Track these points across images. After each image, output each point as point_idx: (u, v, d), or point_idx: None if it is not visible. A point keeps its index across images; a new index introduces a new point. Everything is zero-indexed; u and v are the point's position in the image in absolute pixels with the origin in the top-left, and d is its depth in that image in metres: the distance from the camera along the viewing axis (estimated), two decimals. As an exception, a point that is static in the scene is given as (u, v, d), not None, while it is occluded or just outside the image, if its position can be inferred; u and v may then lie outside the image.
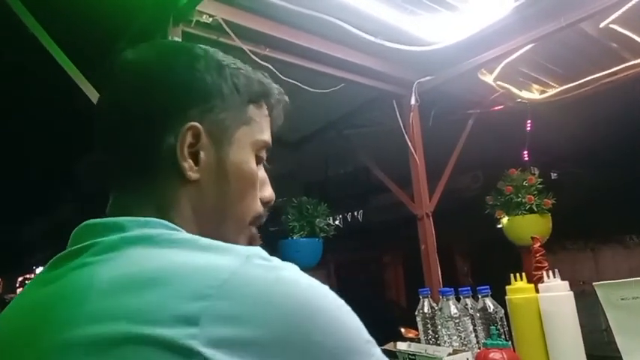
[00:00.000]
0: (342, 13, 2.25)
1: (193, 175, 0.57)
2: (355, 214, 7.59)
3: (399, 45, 2.46)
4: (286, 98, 0.69)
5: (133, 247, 0.48)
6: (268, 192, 0.66)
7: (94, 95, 1.70)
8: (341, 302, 0.48)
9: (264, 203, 0.66)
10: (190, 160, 0.57)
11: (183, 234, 0.52)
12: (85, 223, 0.55)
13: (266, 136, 0.65)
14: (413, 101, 2.91)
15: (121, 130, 0.58)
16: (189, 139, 0.56)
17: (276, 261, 0.48)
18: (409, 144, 2.95)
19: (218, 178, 0.59)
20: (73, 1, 1.77)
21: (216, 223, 0.59)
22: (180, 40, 1.86)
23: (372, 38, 2.40)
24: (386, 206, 6.06)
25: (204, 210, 0.58)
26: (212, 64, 0.60)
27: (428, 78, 2.89)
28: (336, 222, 7.41)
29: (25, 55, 1.96)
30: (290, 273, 0.47)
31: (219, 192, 0.59)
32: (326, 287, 0.48)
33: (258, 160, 0.64)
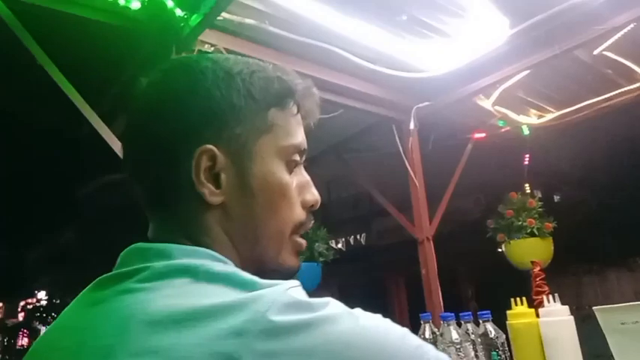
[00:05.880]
0: (341, 42, 2.31)
1: (215, 199, 0.54)
2: (358, 237, 7.57)
3: (397, 72, 2.51)
4: (314, 90, 0.63)
5: (176, 278, 0.47)
6: (310, 195, 0.61)
7: (97, 123, 1.74)
8: (389, 338, 0.46)
9: (308, 207, 0.61)
10: (210, 185, 0.54)
11: (226, 267, 0.51)
12: (134, 245, 0.54)
13: (295, 139, 0.59)
14: (412, 126, 2.95)
15: (138, 161, 0.57)
16: (205, 162, 0.54)
17: (313, 300, 0.46)
18: (409, 168, 2.97)
19: (244, 197, 0.56)
20: (79, 32, 1.82)
21: (252, 243, 0.57)
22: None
23: (371, 65, 2.45)
24: (388, 229, 6.06)
25: (236, 233, 0.56)
26: (220, 76, 0.56)
27: (426, 103, 2.93)
28: (339, 245, 7.38)
29: (31, 85, 2.01)
30: (329, 311, 0.45)
31: (248, 211, 0.56)
32: (374, 319, 0.47)
33: (292, 166, 0.59)
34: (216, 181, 0.54)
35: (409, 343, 0.47)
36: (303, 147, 0.60)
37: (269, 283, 0.46)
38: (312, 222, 0.62)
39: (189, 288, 0.46)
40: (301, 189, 0.61)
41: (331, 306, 0.45)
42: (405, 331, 0.48)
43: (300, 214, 0.60)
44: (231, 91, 0.55)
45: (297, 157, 0.60)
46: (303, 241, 0.61)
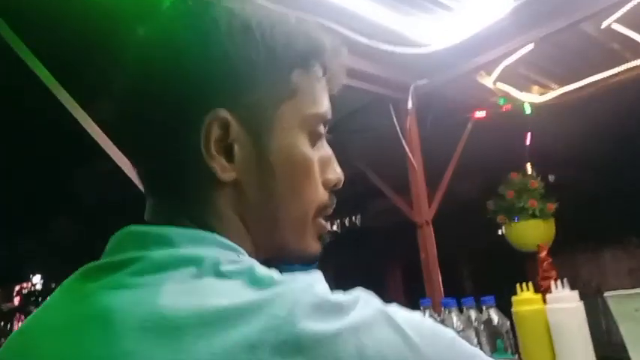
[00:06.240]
0: (335, 16, 2.19)
1: (227, 175, 0.46)
2: (353, 218, 7.53)
3: (394, 47, 2.40)
4: (343, 50, 0.54)
5: (178, 270, 0.40)
6: (333, 173, 0.54)
7: (73, 107, 1.62)
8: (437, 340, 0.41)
9: (331, 187, 0.54)
10: (222, 158, 0.46)
11: (240, 258, 0.43)
12: (127, 229, 0.46)
13: (321, 107, 0.52)
14: (410, 105, 2.85)
15: (134, 130, 0.48)
16: (216, 131, 0.45)
17: (342, 298, 0.39)
18: (406, 149, 2.88)
19: (261, 174, 0.47)
20: (51, 11, 1.70)
21: (269, 229, 0.49)
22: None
23: (366, 41, 2.34)
24: (384, 210, 6.01)
25: (251, 216, 0.48)
26: (236, 28, 0.46)
27: (425, 81, 2.83)
28: (334, 227, 7.35)
29: (8, 73, 1.89)
30: (362, 312, 0.38)
31: (266, 191, 0.48)
32: (421, 320, 0.42)
33: (315, 138, 0.52)
34: (228, 153, 0.46)
35: (459, 348, 0.41)
36: (328, 116, 0.53)
37: (287, 279, 0.39)
38: (334, 204, 0.55)
39: (194, 285, 0.38)
40: (324, 166, 0.53)
41: (363, 304, 0.39)
42: (453, 334, 0.42)
43: (323, 194, 0.52)
44: (249, 46, 0.46)
45: (321, 129, 0.52)
46: (326, 224, 0.54)
